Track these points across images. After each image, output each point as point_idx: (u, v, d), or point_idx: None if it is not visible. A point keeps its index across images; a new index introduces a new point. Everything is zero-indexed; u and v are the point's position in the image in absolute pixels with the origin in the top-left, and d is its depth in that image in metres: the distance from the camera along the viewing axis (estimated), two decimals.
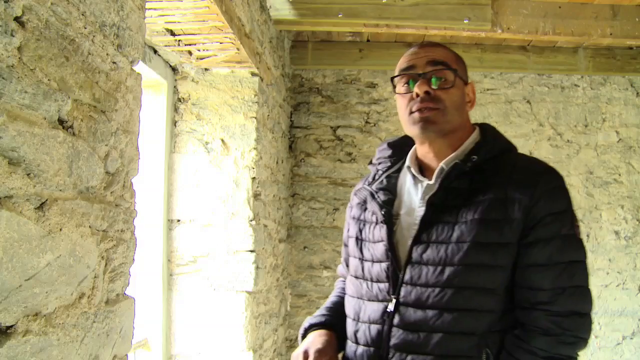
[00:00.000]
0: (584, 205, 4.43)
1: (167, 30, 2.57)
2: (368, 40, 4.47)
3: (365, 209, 1.64)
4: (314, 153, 4.48)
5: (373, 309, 1.49)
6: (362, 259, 1.58)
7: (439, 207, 1.46)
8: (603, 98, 4.53)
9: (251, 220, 3.04)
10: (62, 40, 1.17)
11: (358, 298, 1.56)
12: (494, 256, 1.39)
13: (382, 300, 1.48)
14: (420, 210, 1.50)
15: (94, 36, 1.30)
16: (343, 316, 1.65)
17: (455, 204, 1.45)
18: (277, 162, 3.79)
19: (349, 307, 1.60)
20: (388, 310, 1.45)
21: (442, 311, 1.38)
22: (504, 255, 1.40)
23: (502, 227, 1.39)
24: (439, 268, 1.40)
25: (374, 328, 1.47)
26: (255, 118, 3.03)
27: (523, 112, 4.56)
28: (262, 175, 3.26)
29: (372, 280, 1.52)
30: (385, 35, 4.33)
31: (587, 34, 3.70)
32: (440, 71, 1.50)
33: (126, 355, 1.53)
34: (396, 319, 1.44)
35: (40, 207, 1.11)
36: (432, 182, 1.52)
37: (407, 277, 1.44)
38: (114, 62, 1.40)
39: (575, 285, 1.39)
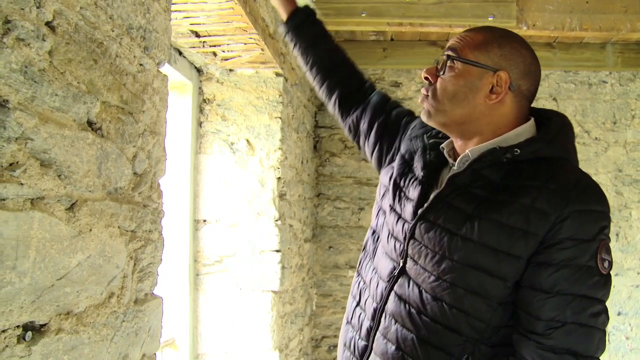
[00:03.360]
0: (613, 204, 4.36)
1: (192, 32, 2.59)
2: (392, 39, 4.45)
3: (413, 158, 1.54)
4: (338, 153, 4.49)
5: (385, 266, 1.45)
6: (392, 207, 1.49)
7: (460, 190, 1.35)
8: (632, 94, 4.45)
9: (277, 220, 3.05)
10: (90, 44, 1.19)
11: (380, 252, 1.50)
12: (498, 265, 1.27)
13: (393, 260, 1.43)
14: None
15: (121, 39, 1.32)
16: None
17: (478, 194, 1.33)
18: (302, 162, 3.80)
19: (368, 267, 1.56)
20: (394, 273, 1.41)
21: (434, 299, 1.31)
22: (510, 268, 1.27)
23: (517, 238, 1.26)
24: (437, 257, 1.32)
25: (382, 285, 1.43)
26: (280, 118, 3.04)
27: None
28: (287, 175, 3.27)
29: (393, 236, 1.45)
30: (409, 34, 4.31)
31: (615, 29, 3.63)
32: (446, 57, 1.40)
33: (155, 354, 1.55)
34: (396, 286, 1.39)
35: (71, 207, 1.13)
36: (454, 167, 1.41)
37: (410, 251, 1.38)
38: (140, 64, 1.42)
39: (580, 323, 1.22)
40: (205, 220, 3.05)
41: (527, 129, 1.40)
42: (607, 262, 1.26)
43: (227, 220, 3.05)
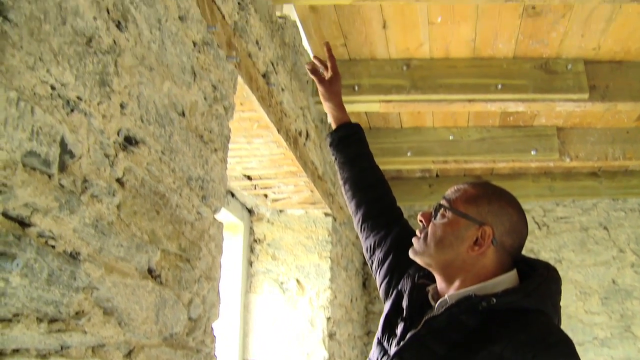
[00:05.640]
0: None
1: (245, 175, 2.72)
2: (437, 176, 4.55)
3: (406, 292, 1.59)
4: None
5: None
6: (380, 341, 1.53)
7: (436, 332, 1.38)
8: None
9: None
10: (154, 196, 1.27)
11: None
12: None
13: None
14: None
15: (181, 190, 1.41)
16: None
17: (452, 338, 1.36)
18: (351, 301, 3.77)
19: None
20: None
21: None
22: None
23: None
24: None
25: None
26: (330, 257, 3.08)
27: (600, 239, 4.42)
28: (337, 315, 3.24)
29: None
30: (454, 169, 4.40)
31: None
32: (439, 206, 1.49)
33: None
34: None
35: (128, 354, 1.16)
36: (434, 311, 1.44)
37: None
38: (198, 213, 1.50)
39: None
40: None
41: (507, 279, 1.44)
42: None
43: None
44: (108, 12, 1.11)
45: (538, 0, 2.24)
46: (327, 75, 1.97)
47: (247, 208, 3.16)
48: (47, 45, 0.92)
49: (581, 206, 4.51)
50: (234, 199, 3.01)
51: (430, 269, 1.50)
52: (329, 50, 2.01)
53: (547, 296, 1.43)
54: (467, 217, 1.45)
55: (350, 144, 1.93)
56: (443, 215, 1.47)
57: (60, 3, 0.96)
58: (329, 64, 1.98)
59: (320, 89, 1.96)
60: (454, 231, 1.45)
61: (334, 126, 1.98)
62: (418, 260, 1.49)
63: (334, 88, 1.97)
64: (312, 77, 1.98)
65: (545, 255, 4.38)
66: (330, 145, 1.97)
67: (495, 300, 1.35)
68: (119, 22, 1.15)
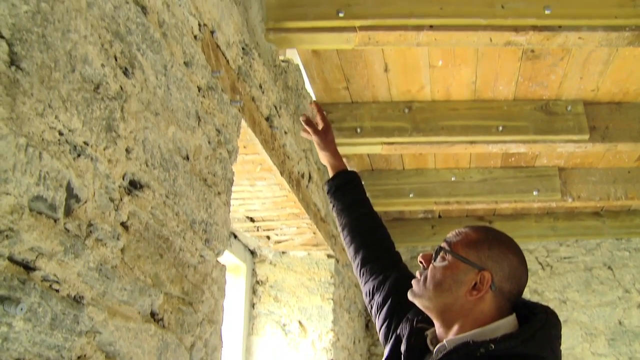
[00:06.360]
0: None
1: (248, 217, 2.73)
2: (439, 217, 4.54)
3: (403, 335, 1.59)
4: None
5: None
6: None
7: None
8: None
9: None
10: (157, 239, 1.28)
11: None
12: None
13: None
14: None
15: (185, 233, 1.41)
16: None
17: None
18: (354, 343, 3.72)
19: None
20: None
21: None
22: None
23: None
24: None
25: None
26: (332, 299, 3.06)
27: (605, 279, 4.38)
28: (340, 357, 3.20)
29: None
30: (456, 210, 4.40)
31: None
32: (440, 249, 1.50)
33: None
34: None
35: None
36: (433, 356, 1.44)
37: None
38: (201, 256, 1.51)
39: None
40: None
41: (505, 324, 1.43)
42: None
43: None
44: (116, 59, 1.14)
45: (536, 43, 2.28)
46: (320, 126, 2.03)
47: (249, 250, 3.16)
48: (56, 92, 0.94)
49: (585, 246, 4.49)
50: (237, 240, 3.01)
51: (429, 313, 1.50)
52: (319, 109, 2.08)
53: (547, 342, 1.42)
54: (466, 261, 1.45)
55: (348, 191, 1.97)
56: (443, 258, 1.47)
57: (70, 51, 0.98)
58: (318, 117, 2.05)
59: (315, 139, 2.01)
60: (453, 275, 1.45)
61: (331, 174, 2.02)
62: (417, 302, 1.49)
63: (328, 137, 2.02)
64: (307, 128, 2.02)
65: (549, 296, 4.34)
66: (328, 193, 2.01)
67: (493, 346, 1.34)
68: (126, 68, 1.17)
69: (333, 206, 1.99)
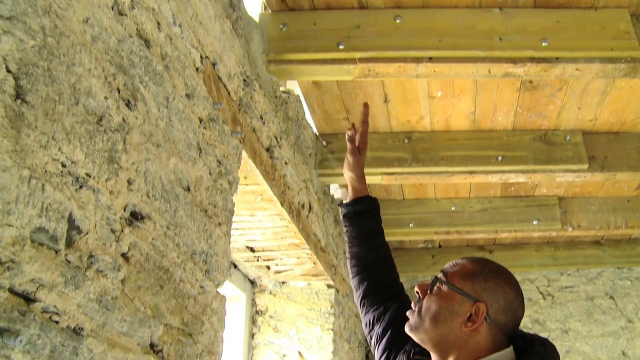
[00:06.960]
0: None
1: (248, 247, 2.73)
2: (440, 246, 4.54)
3: None
4: None
5: None
6: None
7: None
8: None
9: None
10: (158, 271, 1.28)
11: None
12: None
13: None
14: None
15: (185, 264, 1.41)
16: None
17: None
18: None
19: None
20: None
21: None
22: None
23: None
24: None
25: None
26: (332, 330, 3.04)
27: (607, 309, 4.35)
28: None
29: None
30: (456, 240, 4.40)
31: None
32: (436, 279, 1.50)
33: None
34: None
35: None
36: None
37: None
38: (201, 287, 1.50)
39: None
40: None
41: (503, 357, 1.43)
42: None
43: None
44: (119, 92, 1.15)
45: (535, 75, 2.31)
46: (357, 141, 1.97)
47: (249, 279, 3.15)
48: (60, 124, 0.95)
49: (586, 275, 4.48)
50: (237, 270, 3.00)
51: (425, 346, 1.49)
52: (366, 114, 2.03)
53: None
54: (462, 292, 1.45)
55: (366, 220, 1.91)
56: (439, 289, 1.47)
57: (74, 84, 1.00)
58: (360, 130, 2.00)
59: (349, 158, 1.95)
60: (448, 305, 1.45)
61: (350, 196, 1.95)
62: (413, 336, 1.49)
63: (360, 159, 1.96)
64: (348, 144, 1.96)
65: (551, 326, 4.30)
66: (344, 217, 1.94)
67: None
68: (128, 100, 1.19)
69: (347, 231, 1.93)
